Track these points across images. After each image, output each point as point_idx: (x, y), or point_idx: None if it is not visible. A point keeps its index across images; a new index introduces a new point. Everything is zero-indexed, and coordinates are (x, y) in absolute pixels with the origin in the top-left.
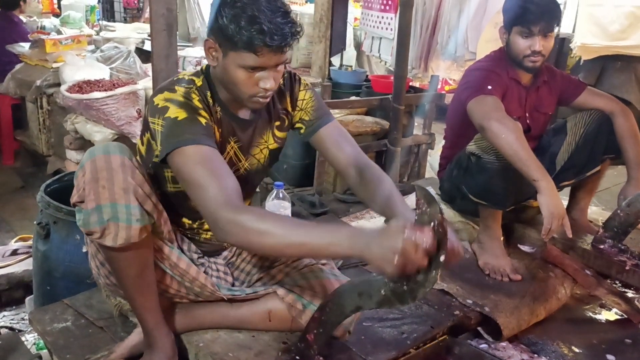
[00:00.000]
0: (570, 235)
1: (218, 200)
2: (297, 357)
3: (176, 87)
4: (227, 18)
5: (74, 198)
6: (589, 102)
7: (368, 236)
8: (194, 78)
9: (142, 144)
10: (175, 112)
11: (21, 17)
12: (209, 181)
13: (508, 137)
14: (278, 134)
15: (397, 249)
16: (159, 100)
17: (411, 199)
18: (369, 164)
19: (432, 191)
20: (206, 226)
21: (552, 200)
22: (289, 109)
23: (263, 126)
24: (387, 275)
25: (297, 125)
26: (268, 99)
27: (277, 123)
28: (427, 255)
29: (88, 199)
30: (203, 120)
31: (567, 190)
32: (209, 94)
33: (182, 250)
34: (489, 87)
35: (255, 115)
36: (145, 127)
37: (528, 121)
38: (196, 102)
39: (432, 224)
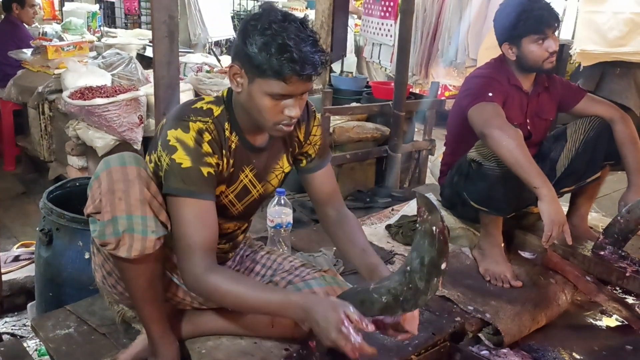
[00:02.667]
0: (571, 242)
1: (194, 259)
2: None
3: (190, 125)
4: (257, 45)
5: (88, 209)
6: (588, 108)
7: (312, 309)
8: (213, 107)
9: (150, 161)
10: (181, 159)
11: (24, 25)
12: (191, 238)
13: (509, 144)
14: (292, 158)
15: (329, 337)
16: (171, 136)
17: (412, 206)
18: (349, 213)
19: (433, 197)
20: None
21: (552, 207)
22: (302, 139)
23: (279, 151)
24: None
25: (301, 157)
26: (292, 127)
27: (291, 149)
28: (355, 350)
29: (104, 211)
30: (206, 171)
31: (567, 196)
32: (226, 124)
33: None
34: (490, 94)
35: (271, 142)
36: (155, 147)
37: (529, 127)
38: (206, 145)
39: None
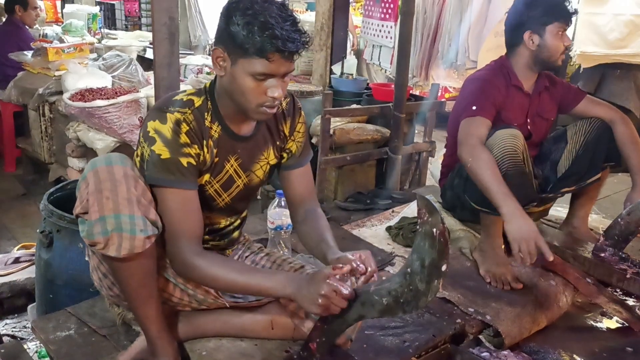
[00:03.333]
0: (551, 258)
1: (180, 245)
2: None
3: (168, 116)
4: (239, 25)
5: (77, 209)
6: (588, 110)
7: (299, 281)
8: (194, 98)
9: (137, 155)
10: (160, 149)
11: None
12: (176, 225)
13: (473, 164)
14: (278, 151)
15: (319, 292)
16: (150, 127)
17: (412, 207)
18: (318, 212)
19: (433, 199)
20: (206, 236)
21: (515, 224)
22: (287, 133)
23: (264, 142)
24: (313, 314)
25: (284, 155)
26: (275, 110)
27: (278, 142)
28: (345, 299)
29: (92, 210)
30: (185, 161)
31: (568, 199)
32: (207, 115)
33: None
34: (477, 108)
35: (257, 132)
36: (140, 140)
37: (529, 127)
38: (184, 136)
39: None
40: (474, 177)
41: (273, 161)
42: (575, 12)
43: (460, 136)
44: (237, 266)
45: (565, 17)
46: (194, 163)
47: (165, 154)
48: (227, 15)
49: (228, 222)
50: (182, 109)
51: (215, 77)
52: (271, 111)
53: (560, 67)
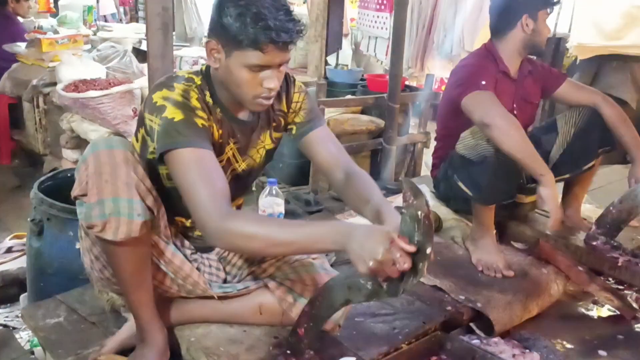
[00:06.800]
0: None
1: (208, 208)
2: (288, 352)
3: (175, 85)
4: (232, 16)
5: (75, 191)
6: (571, 94)
7: (353, 232)
8: (194, 76)
9: (137, 140)
10: (172, 113)
11: (19, 18)
12: (199, 188)
13: (515, 134)
14: (275, 134)
15: (375, 256)
16: (157, 97)
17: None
18: (358, 170)
19: (426, 188)
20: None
21: (556, 193)
22: (285, 109)
23: (261, 127)
24: (358, 271)
25: (290, 127)
26: (271, 101)
27: (274, 124)
28: (399, 272)
29: (90, 193)
30: (199, 122)
31: (560, 188)
32: (208, 94)
33: (176, 246)
34: (483, 83)
35: (254, 117)
36: (141, 123)
37: (516, 112)
38: (194, 101)
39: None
40: (510, 146)
41: (269, 146)
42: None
43: (477, 110)
44: (276, 221)
45: (555, 2)
46: (207, 127)
47: (179, 115)
48: (219, 6)
49: None
50: (187, 83)
51: None
52: (267, 102)
53: (543, 51)
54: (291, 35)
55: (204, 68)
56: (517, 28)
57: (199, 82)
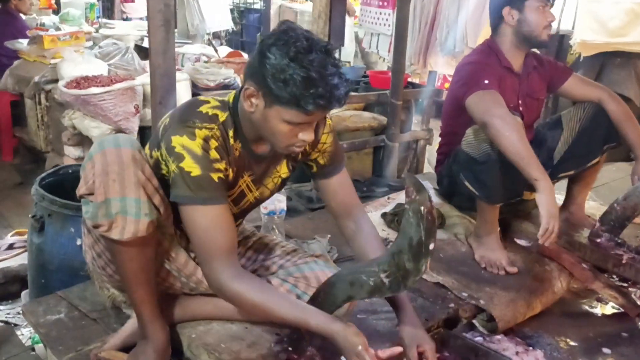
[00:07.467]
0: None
1: (218, 266)
2: (290, 348)
3: (196, 132)
4: (280, 76)
5: (81, 190)
6: (576, 89)
7: (335, 330)
8: (218, 112)
9: (151, 156)
10: (190, 167)
11: (21, 15)
12: (211, 245)
13: (511, 135)
14: (292, 163)
15: (351, 355)
16: (176, 143)
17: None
18: (366, 227)
19: (429, 185)
20: None
21: (550, 200)
22: (307, 148)
23: (278, 159)
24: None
25: (310, 163)
26: (302, 149)
27: (293, 155)
28: None
29: (97, 192)
30: (216, 176)
31: (564, 185)
32: (231, 132)
33: (181, 244)
34: (486, 82)
35: (274, 150)
36: (157, 146)
37: (521, 108)
38: (213, 152)
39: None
40: (506, 147)
41: (285, 174)
42: None
43: (478, 110)
44: (277, 295)
45: None
46: (223, 178)
47: (196, 170)
48: (263, 55)
49: None
50: (210, 124)
51: (239, 92)
52: (299, 150)
53: (547, 42)
54: (340, 102)
55: (231, 99)
56: (504, 21)
57: (222, 119)
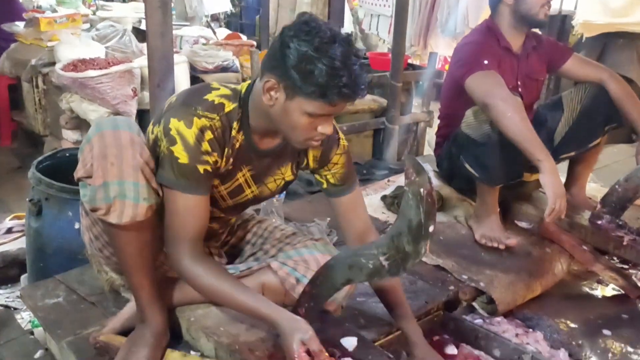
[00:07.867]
0: (562, 216)
1: (181, 247)
2: None
3: (194, 120)
4: (300, 64)
5: (79, 173)
6: (577, 70)
7: (280, 323)
8: (225, 102)
9: (152, 132)
10: (180, 153)
11: None
12: (181, 229)
13: (514, 116)
14: (296, 169)
15: (289, 350)
16: (173, 125)
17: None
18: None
19: (429, 167)
20: None
21: (555, 180)
22: (316, 165)
23: (284, 159)
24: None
25: (320, 179)
26: (319, 143)
27: (298, 160)
28: None
29: (95, 175)
30: (202, 168)
31: (565, 166)
32: (235, 124)
33: None
34: (485, 62)
35: (279, 148)
36: (158, 121)
37: (520, 89)
38: (206, 144)
39: None
40: (508, 129)
41: (289, 177)
42: None
43: (479, 91)
44: (232, 282)
45: None
46: (210, 170)
47: (184, 159)
48: (285, 46)
49: (228, 218)
50: (211, 113)
51: (252, 83)
52: (316, 144)
53: (545, 22)
54: (363, 92)
55: (243, 90)
56: (502, 1)
57: (228, 109)
